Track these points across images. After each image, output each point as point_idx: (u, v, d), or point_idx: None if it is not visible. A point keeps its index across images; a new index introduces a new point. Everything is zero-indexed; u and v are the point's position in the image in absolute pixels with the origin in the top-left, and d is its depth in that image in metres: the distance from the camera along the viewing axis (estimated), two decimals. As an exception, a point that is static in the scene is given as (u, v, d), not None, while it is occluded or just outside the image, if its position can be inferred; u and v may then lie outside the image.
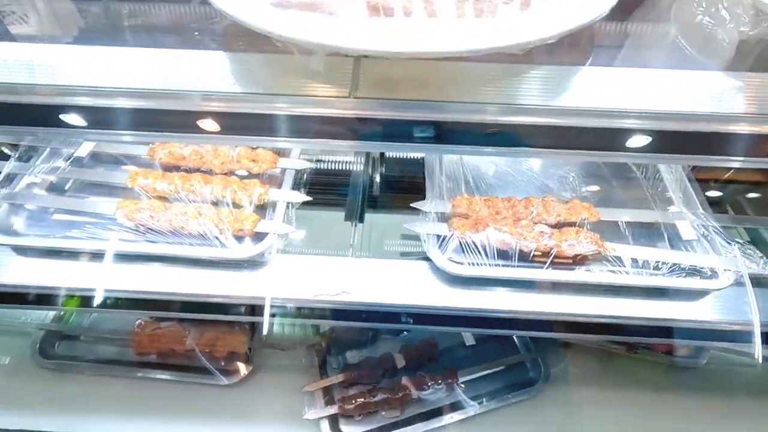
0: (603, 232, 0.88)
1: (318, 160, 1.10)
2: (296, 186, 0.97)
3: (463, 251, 0.84)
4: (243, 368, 1.15)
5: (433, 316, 0.84)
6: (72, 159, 1.01)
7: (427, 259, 0.86)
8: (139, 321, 1.20)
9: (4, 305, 0.98)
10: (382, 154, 1.15)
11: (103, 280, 0.85)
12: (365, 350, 1.18)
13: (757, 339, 0.78)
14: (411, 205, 0.92)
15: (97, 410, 1.11)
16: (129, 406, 1.11)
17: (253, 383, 1.14)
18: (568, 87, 0.61)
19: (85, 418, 1.09)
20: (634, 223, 0.92)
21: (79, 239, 0.87)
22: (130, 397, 1.12)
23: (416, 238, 0.90)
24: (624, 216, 0.92)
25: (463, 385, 1.12)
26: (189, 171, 0.98)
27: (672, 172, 1.00)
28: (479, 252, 0.84)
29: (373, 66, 0.61)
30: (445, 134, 0.60)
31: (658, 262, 0.84)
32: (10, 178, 0.96)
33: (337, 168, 1.16)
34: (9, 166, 0.96)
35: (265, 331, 0.82)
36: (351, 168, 1.15)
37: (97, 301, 0.87)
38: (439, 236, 0.87)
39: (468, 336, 1.19)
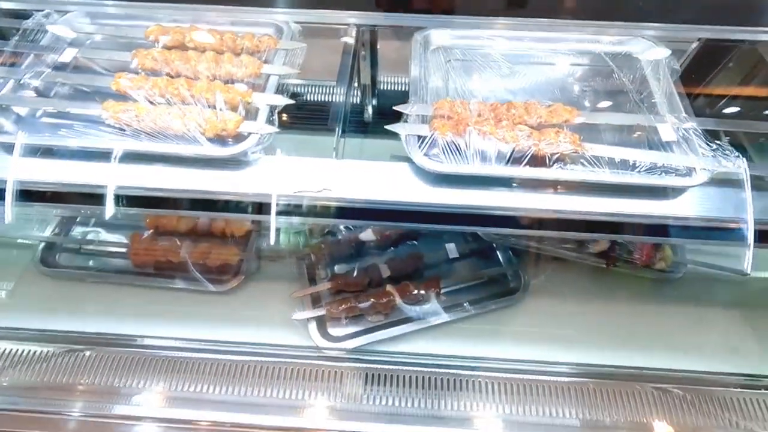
0: (584, 135, 0.88)
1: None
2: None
3: (443, 151, 0.86)
4: (235, 278, 1.20)
5: (413, 213, 0.87)
6: (55, 65, 1.01)
7: (409, 160, 0.88)
8: (134, 233, 1.24)
9: None
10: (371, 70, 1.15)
11: (91, 177, 0.87)
12: (352, 263, 1.23)
13: (750, 233, 0.79)
14: (393, 108, 0.92)
15: (95, 313, 1.17)
16: (126, 309, 1.18)
17: (245, 292, 1.20)
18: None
19: (84, 320, 1.16)
20: (616, 128, 0.93)
21: (68, 138, 0.88)
22: (127, 302, 1.19)
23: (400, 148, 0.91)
24: (605, 118, 0.92)
25: (445, 294, 1.17)
26: (172, 77, 0.98)
27: (660, 79, 0.99)
28: (459, 151, 0.85)
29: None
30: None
31: (636, 162, 0.85)
32: (-5, 82, 0.96)
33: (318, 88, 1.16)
34: (-4, 71, 0.97)
35: (255, 239, 0.85)
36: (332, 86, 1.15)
37: (87, 200, 0.90)
38: (419, 137, 0.88)
39: (452, 249, 1.23)
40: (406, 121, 0.92)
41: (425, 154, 0.86)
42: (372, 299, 1.11)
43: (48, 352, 1.14)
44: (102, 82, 0.97)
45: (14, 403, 1.09)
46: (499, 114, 0.91)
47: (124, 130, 0.90)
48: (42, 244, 1.23)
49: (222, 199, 0.90)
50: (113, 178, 0.87)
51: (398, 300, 1.13)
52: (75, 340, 1.16)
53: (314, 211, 0.89)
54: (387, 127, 0.90)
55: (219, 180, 0.88)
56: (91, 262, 1.25)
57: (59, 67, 1.02)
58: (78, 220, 1.31)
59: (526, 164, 0.84)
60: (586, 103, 1.00)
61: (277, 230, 1.28)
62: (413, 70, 1.01)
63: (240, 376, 1.09)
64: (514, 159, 0.85)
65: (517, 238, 1.23)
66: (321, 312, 1.10)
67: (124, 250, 1.24)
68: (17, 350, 1.13)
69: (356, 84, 1.13)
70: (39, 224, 1.27)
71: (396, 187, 0.87)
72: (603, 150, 0.85)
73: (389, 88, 1.26)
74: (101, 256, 1.25)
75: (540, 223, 0.87)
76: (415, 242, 1.28)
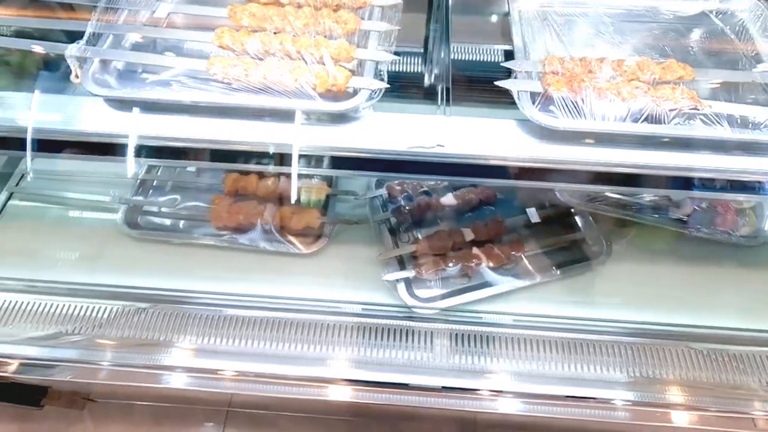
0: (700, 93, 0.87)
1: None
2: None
3: (559, 107, 0.85)
4: (318, 241, 1.21)
5: (527, 169, 0.86)
6: (150, 21, 1.00)
7: (521, 116, 0.87)
8: (216, 195, 1.25)
9: (98, 156, 1.00)
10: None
11: (199, 131, 0.87)
12: (433, 226, 1.23)
13: None
14: (502, 64, 0.91)
15: (178, 273, 1.19)
16: (211, 269, 1.19)
17: (329, 254, 1.21)
18: None
19: (166, 279, 1.18)
20: (729, 86, 0.91)
21: (174, 92, 0.88)
22: (212, 262, 1.20)
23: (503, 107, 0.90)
24: (721, 76, 0.90)
25: (528, 258, 1.18)
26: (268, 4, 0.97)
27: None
28: (576, 108, 0.84)
29: None
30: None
31: (756, 118, 0.83)
32: (95, 37, 0.95)
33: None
34: (93, 25, 0.96)
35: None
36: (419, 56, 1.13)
37: (191, 154, 0.90)
38: (532, 93, 0.87)
39: (533, 213, 1.22)
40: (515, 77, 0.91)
41: (540, 110, 0.85)
42: (460, 262, 1.12)
43: (131, 308, 1.16)
44: (202, 37, 0.96)
45: (109, 358, 1.12)
46: (610, 71, 0.90)
47: (231, 84, 0.90)
48: (126, 206, 1.24)
49: (331, 154, 0.91)
50: (229, 132, 0.87)
51: (485, 263, 1.13)
52: (157, 299, 1.19)
53: (424, 168, 0.89)
54: (497, 83, 0.89)
55: (331, 135, 0.88)
56: (171, 224, 1.26)
57: (155, 23, 1.02)
58: (154, 183, 1.32)
59: (643, 121, 0.84)
60: (695, 61, 0.98)
61: (354, 194, 1.29)
62: (513, 29, 0.99)
63: (327, 334, 1.12)
64: (633, 116, 0.85)
65: (599, 202, 1.22)
66: (411, 273, 1.11)
67: (204, 212, 1.25)
68: (104, 308, 1.16)
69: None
70: (123, 187, 1.28)
71: (510, 143, 0.86)
72: (723, 107, 0.84)
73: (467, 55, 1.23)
74: (181, 219, 1.26)
75: (656, 179, 0.87)
76: (493, 208, 1.28)
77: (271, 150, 0.89)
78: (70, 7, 1.02)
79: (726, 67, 0.96)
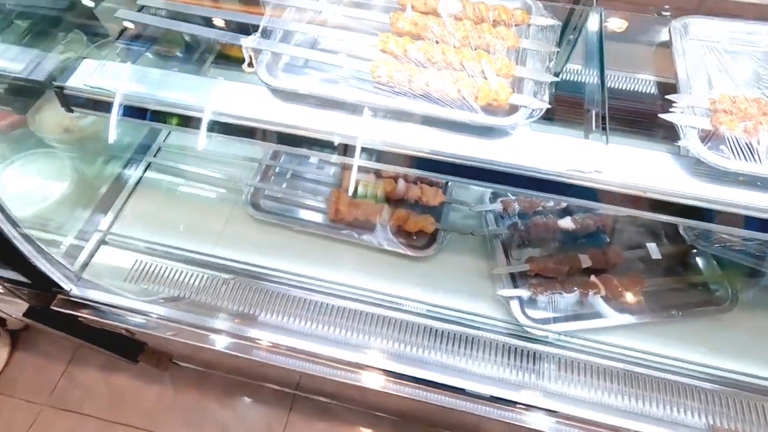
0: None
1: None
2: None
3: (730, 148, 0.82)
4: (430, 246, 1.23)
5: (684, 207, 0.84)
6: (316, 21, 1.06)
7: (685, 155, 0.85)
8: (336, 189, 1.30)
9: (253, 139, 1.02)
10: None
11: (357, 129, 0.91)
12: (548, 248, 1.22)
13: None
14: (666, 97, 0.89)
15: (297, 256, 1.25)
16: (324, 257, 1.25)
17: (440, 261, 1.23)
18: None
19: (288, 261, 1.24)
20: None
21: (342, 89, 0.93)
22: (325, 251, 1.26)
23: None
24: None
25: (646, 294, 1.15)
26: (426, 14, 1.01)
27: None
28: (750, 150, 0.81)
29: None
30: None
31: None
32: (267, 32, 1.02)
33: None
34: (266, 20, 1.02)
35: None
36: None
37: (339, 150, 0.94)
38: (700, 131, 0.85)
39: (653, 249, 1.19)
40: (681, 112, 0.89)
41: (709, 149, 0.83)
42: (579, 288, 1.11)
43: (241, 282, 1.23)
44: (366, 41, 1.01)
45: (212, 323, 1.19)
46: (788, 115, 0.86)
47: (393, 88, 0.93)
48: (251, 188, 1.32)
49: (483, 167, 0.92)
50: (386, 133, 0.91)
51: (603, 292, 1.11)
52: (268, 278, 1.25)
53: (576, 192, 0.89)
54: (662, 116, 0.87)
55: (486, 148, 0.89)
56: (290, 211, 1.32)
57: (320, 23, 1.07)
58: (276, 170, 1.39)
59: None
60: None
61: (467, 205, 1.30)
62: (677, 61, 0.97)
63: (432, 339, 1.14)
64: (810, 165, 0.81)
65: (727, 247, 1.17)
66: (526, 292, 1.11)
67: (321, 204, 1.30)
68: (218, 278, 1.24)
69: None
70: (245, 169, 1.35)
71: (671, 177, 0.85)
72: None
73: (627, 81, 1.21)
74: (301, 207, 1.32)
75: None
76: (607, 237, 1.25)
77: (423, 155, 0.92)
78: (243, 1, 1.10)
79: None
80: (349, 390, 1.49)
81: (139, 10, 1.09)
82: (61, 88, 0.97)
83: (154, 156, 1.42)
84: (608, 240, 1.24)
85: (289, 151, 1.18)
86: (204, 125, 0.94)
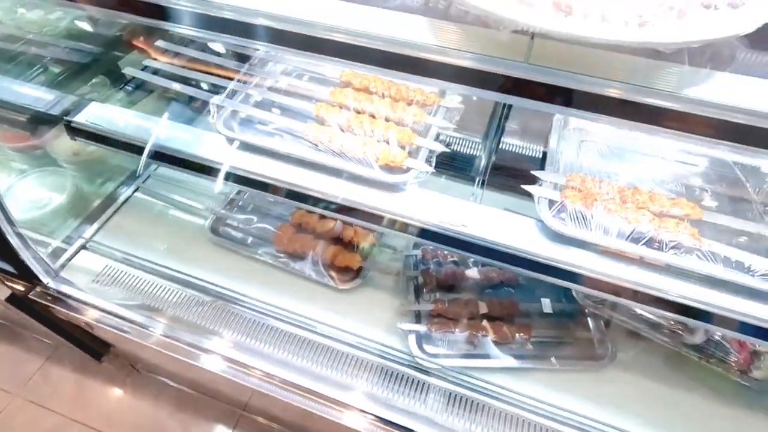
0: (703, 234, 0.98)
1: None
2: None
3: (570, 217, 1.01)
4: (353, 281, 1.42)
5: (532, 262, 1.02)
6: (272, 88, 1.34)
7: (537, 219, 1.04)
8: (282, 224, 1.52)
9: (204, 175, 1.24)
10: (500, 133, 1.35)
11: (283, 174, 1.15)
12: (453, 293, 1.38)
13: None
14: (531, 172, 1.10)
15: (245, 279, 1.45)
16: (263, 281, 1.44)
17: (359, 294, 1.41)
18: (700, 83, 0.75)
19: (234, 281, 1.45)
20: (733, 232, 1.01)
21: (279, 142, 1.18)
22: (265, 276, 1.45)
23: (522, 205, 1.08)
24: (726, 221, 1.01)
25: (533, 343, 1.28)
26: (358, 112, 1.26)
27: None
28: (584, 220, 0.99)
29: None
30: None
31: (751, 266, 0.92)
32: (232, 93, 1.30)
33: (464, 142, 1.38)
34: (233, 84, 1.31)
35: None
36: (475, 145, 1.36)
37: (271, 189, 1.17)
38: (550, 201, 1.04)
39: (546, 304, 1.34)
40: (540, 185, 1.08)
41: (554, 216, 1.02)
42: (469, 330, 1.26)
43: (195, 297, 1.43)
44: (305, 107, 1.27)
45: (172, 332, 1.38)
46: (624, 197, 1.04)
47: (317, 146, 1.18)
48: (214, 216, 1.56)
49: (375, 214, 1.13)
50: (304, 179, 1.13)
51: (491, 336, 1.26)
52: (216, 294, 1.44)
53: (448, 241, 1.08)
54: (524, 186, 1.07)
55: (378, 199, 1.10)
56: (242, 238, 1.54)
57: (275, 90, 1.35)
58: (239, 203, 1.63)
59: (642, 245, 0.96)
60: (707, 203, 1.10)
61: (393, 249, 1.49)
62: (551, 142, 1.18)
63: (339, 361, 1.29)
64: (633, 238, 0.98)
65: (612, 310, 1.31)
66: (423, 328, 1.27)
67: (270, 235, 1.52)
68: (176, 291, 1.44)
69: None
70: (215, 200, 1.60)
71: (522, 237, 1.03)
72: (721, 248, 0.95)
73: (511, 149, 1.43)
74: (252, 236, 1.54)
75: (645, 297, 0.97)
76: (512, 290, 1.41)
77: (335, 200, 1.13)
78: (221, 66, 1.40)
79: (739, 216, 1.06)
80: (287, 409, 1.62)
81: (142, 69, 1.41)
82: (69, 122, 1.26)
83: (143, 182, 1.69)
84: (512, 292, 1.40)
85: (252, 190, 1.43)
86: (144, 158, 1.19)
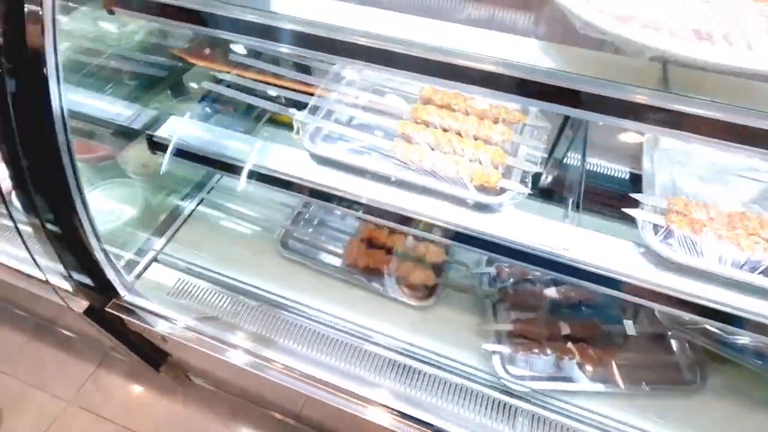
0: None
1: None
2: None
3: (679, 243, 0.98)
4: (429, 298, 1.40)
5: (638, 288, 0.99)
6: (354, 104, 1.33)
7: (639, 243, 1.01)
8: (352, 239, 1.51)
9: (288, 191, 1.21)
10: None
11: (375, 192, 1.13)
12: (532, 312, 1.36)
13: None
14: (631, 195, 1.07)
15: (315, 293, 1.44)
16: (337, 296, 1.43)
17: (434, 311, 1.39)
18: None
19: (304, 295, 1.44)
20: None
21: (365, 161, 1.16)
22: (338, 291, 1.44)
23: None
24: (843, 249, 0.98)
25: (617, 367, 1.26)
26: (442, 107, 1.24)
27: None
28: (694, 247, 0.97)
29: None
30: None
31: None
32: (314, 109, 1.29)
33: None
34: (315, 100, 1.30)
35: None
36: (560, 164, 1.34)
37: (362, 208, 1.16)
38: (655, 225, 1.02)
39: (629, 325, 1.31)
40: (641, 209, 1.06)
41: (661, 241, 0.99)
42: (556, 352, 1.23)
43: (269, 312, 1.42)
44: (390, 124, 1.26)
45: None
46: (732, 222, 1.02)
47: (406, 164, 1.16)
48: (283, 230, 1.55)
49: (467, 234, 1.11)
50: (396, 198, 1.12)
51: (577, 359, 1.23)
52: (286, 308, 1.44)
53: (547, 264, 1.06)
54: (627, 210, 1.05)
55: (472, 219, 1.09)
56: (312, 252, 1.53)
57: (354, 105, 1.34)
58: (305, 216, 1.63)
59: (759, 273, 0.94)
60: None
61: (465, 266, 1.48)
62: (645, 164, 1.16)
63: (412, 378, 1.28)
64: (748, 266, 0.95)
65: (704, 335, 1.28)
66: (508, 349, 1.25)
67: (340, 250, 1.51)
68: (247, 304, 1.44)
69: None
70: (279, 212, 1.60)
71: (627, 262, 1.01)
72: (842, 278, 0.92)
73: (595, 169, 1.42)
74: (322, 250, 1.53)
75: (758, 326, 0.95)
76: (591, 310, 1.38)
77: (425, 219, 1.12)
78: (303, 82, 1.39)
79: None
80: (344, 422, 1.61)
81: (217, 82, 1.40)
82: (151, 136, 1.26)
83: (207, 193, 1.69)
84: (590, 312, 1.38)
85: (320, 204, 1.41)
86: (244, 175, 1.18)
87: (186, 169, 1.66)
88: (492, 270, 1.43)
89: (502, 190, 1.10)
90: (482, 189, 1.11)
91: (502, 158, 1.15)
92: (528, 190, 1.09)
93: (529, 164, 1.14)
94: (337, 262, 1.50)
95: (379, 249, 1.48)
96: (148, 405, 2.06)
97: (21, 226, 1.15)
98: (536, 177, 1.31)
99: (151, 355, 1.74)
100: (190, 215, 1.63)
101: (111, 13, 1.05)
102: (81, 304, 1.36)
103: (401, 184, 1.15)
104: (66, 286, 1.36)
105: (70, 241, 1.22)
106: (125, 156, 1.54)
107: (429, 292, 1.42)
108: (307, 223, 1.61)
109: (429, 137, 1.20)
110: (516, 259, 1.08)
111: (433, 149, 1.18)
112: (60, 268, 1.25)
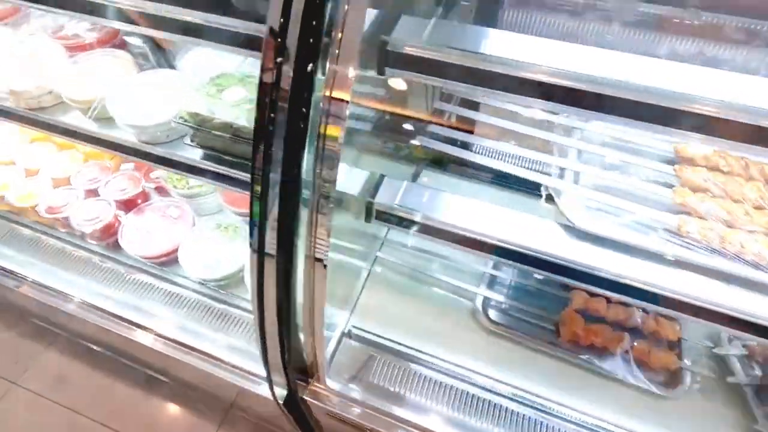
0: None
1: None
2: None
3: None
4: (679, 387, 1.20)
5: None
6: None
7: None
8: (568, 309, 1.32)
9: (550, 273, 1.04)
10: None
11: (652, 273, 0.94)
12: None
13: None
14: None
15: (525, 373, 1.26)
16: (555, 378, 1.25)
17: (681, 401, 1.20)
18: None
19: (513, 375, 1.26)
20: None
21: (641, 237, 0.98)
22: (555, 372, 1.26)
23: None
24: None
25: None
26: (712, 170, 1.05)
27: None
28: None
29: None
30: None
31: None
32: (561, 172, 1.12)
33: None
34: (561, 161, 1.13)
35: None
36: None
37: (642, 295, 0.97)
38: None
39: None
40: None
41: None
42: None
43: (473, 394, 1.25)
44: (658, 191, 1.07)
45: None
46: None
47: (706, 246, 0.97)
48: (482, 297, 1.38)
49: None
50: (692, 285, 0.93)
51: None
52: (498, 392, 1.26)
53: None
54: None
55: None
56: (518, 324, 1.35)
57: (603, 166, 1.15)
58: (497, 279, 1.45)
59: None
60: None
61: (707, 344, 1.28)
62: None
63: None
64: None
65: None
66: (807, 460, 1.05)
67: (548, 321, 1.33)
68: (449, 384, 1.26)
69: None
70: (469, 274, 1.43)
71: None
72: None
73: None
74: (528, 323, 1.35)
75: None
76: None
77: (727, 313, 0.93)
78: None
79: None
80: None
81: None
82: (371, 203, 1.10)
83: (378, 249, 1.52)
84: None
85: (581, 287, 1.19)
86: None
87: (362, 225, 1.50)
88: (741, 350, 1.23)
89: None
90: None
91: (820, 238, 0.96)
92: None
93: None
94: (549, 336, 1.32)
95: (601, 323, 1.30)
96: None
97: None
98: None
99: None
100: (367, 278, 1.46)
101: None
102: (280, 393, 1.19)
103: (684, 265, 0.96)
104: (261, 372, 1.20)
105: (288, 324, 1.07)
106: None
107: (671, 376, 1.22)
108: (502, 287, 1.43)
109: (718, 209, 1.01)
110: None
111: (730, 226, 0.99)
112: (278, 359, 1.09)
